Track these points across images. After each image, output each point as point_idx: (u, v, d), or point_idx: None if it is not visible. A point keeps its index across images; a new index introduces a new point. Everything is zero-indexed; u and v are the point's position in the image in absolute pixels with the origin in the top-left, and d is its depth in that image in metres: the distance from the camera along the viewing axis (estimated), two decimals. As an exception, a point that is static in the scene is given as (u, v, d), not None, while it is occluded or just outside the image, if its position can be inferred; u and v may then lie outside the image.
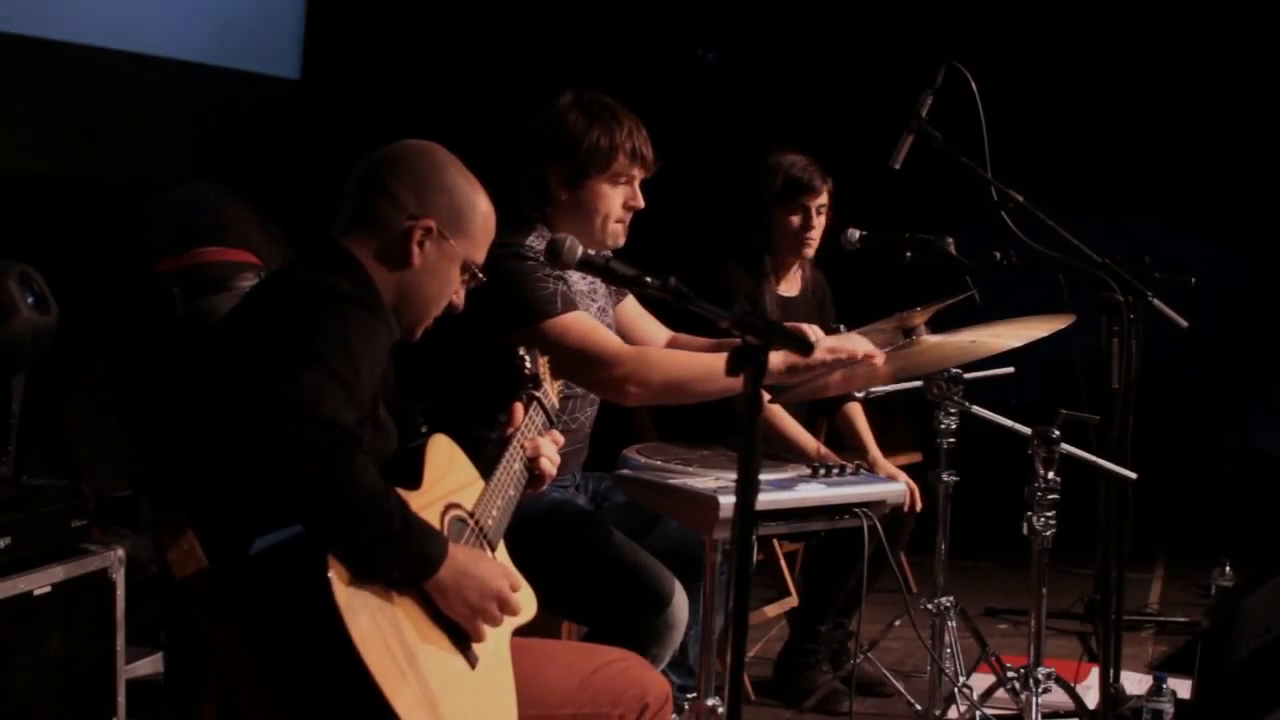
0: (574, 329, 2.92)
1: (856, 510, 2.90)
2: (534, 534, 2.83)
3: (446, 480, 2.27)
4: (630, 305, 3.38)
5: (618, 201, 3.11)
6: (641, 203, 3.14)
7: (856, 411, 4.13)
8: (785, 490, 2.84)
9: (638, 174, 3.12)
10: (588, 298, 3.16)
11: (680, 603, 2.92)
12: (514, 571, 2.26)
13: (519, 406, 2.51)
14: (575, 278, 3.10)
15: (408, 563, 2.04)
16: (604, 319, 3.19)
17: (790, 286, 4.14)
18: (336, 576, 1.96)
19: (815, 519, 2.94)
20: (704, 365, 2.93)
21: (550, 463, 2.49)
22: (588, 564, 2.94)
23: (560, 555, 2.93)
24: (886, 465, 3.99)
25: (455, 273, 2.37)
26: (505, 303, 2.89)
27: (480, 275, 2.41)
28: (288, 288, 2.26)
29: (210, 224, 3.57)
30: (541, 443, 2.49)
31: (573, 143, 3.06)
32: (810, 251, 4.09)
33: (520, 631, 2.33)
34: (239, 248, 3.56)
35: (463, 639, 2.15)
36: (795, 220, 4.03)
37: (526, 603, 2.35)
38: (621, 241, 3.13)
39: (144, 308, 3.57)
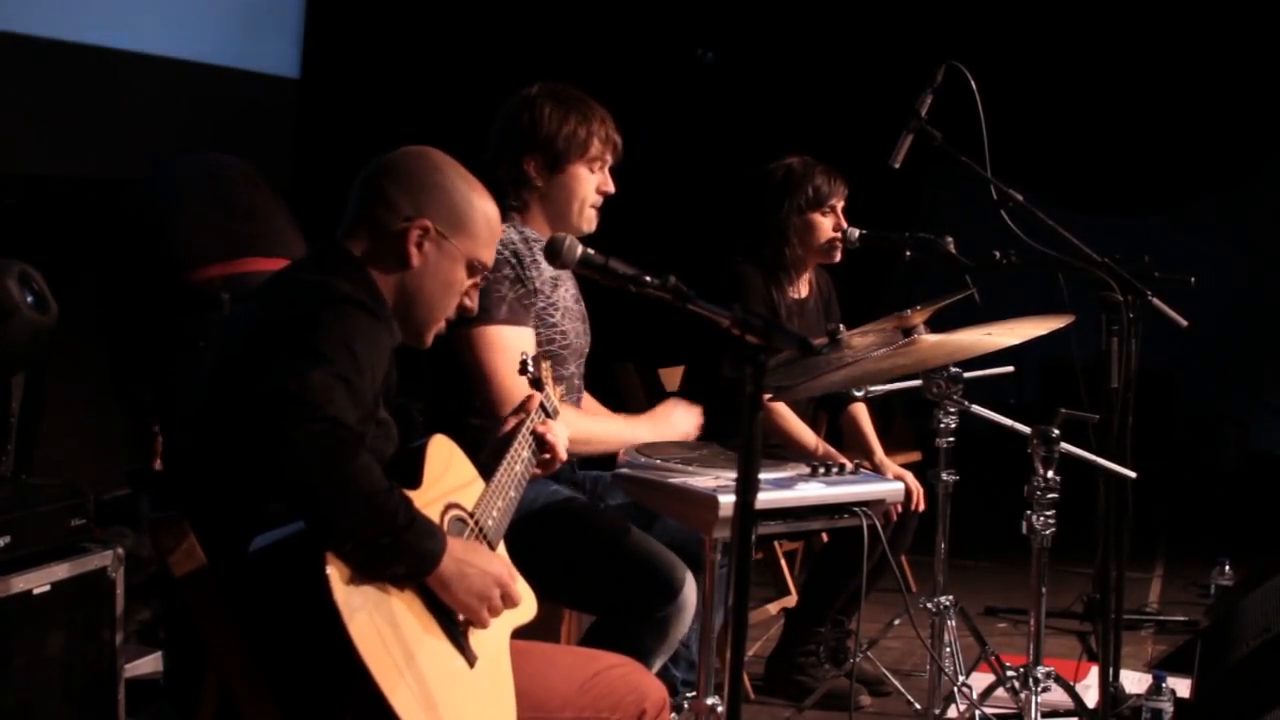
0: (496, 343, 2.97)
1: (855, 510, 2.90)
2: (536, 528, 2.85)
3: (446, 480, 2.27)
4: None
5: (592, 186, 3.19)
6: (612, 188, 3.22)
7: (861, 412, 4.13)
8: (784, 489, 2.84)
9: (609, 159, 3.21)
10: (559, 283, 3.19)
11: (690, 588, 2.94)
12: (511, 565, 2.27)
13: (535, 397, 2.56)
14: (544, 265, 3.14)
15: (411, 558, 2.05)
16: (579, 306, 3.27)
17: (801, 289, 4.13)
18: (335, 574, 1.96)
19: (814, 518, 2.94)
20: (585, 429, 3.01)
21: (561, 445, 2.55)
22: (594, 553, 2.95)
23: (565, 546, 2.95)
24: (892, 466, 3.99)
25: (460, 273, 2.38)
26: None
27: (489, 276, 2.43)
28: (291, 289, 2.27)
29: (259, 230, 3.56)
30: (553, 424, 2.55)
31: (552, 132, 3.15)
32: (838, 256, 4.08)
33: (520, 633, 2.34)
34: (285, 257, 3.57)
35: (461, 638, 2.15)
36: (829, 223, 4.03)
37: (526, 603, 2.36)
38: (594, 227, 3.20)
39: (186, 310, 3.55)
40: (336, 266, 2.29)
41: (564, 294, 3.20)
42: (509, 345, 2.96)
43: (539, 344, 3.10)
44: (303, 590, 1.97)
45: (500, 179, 3.15)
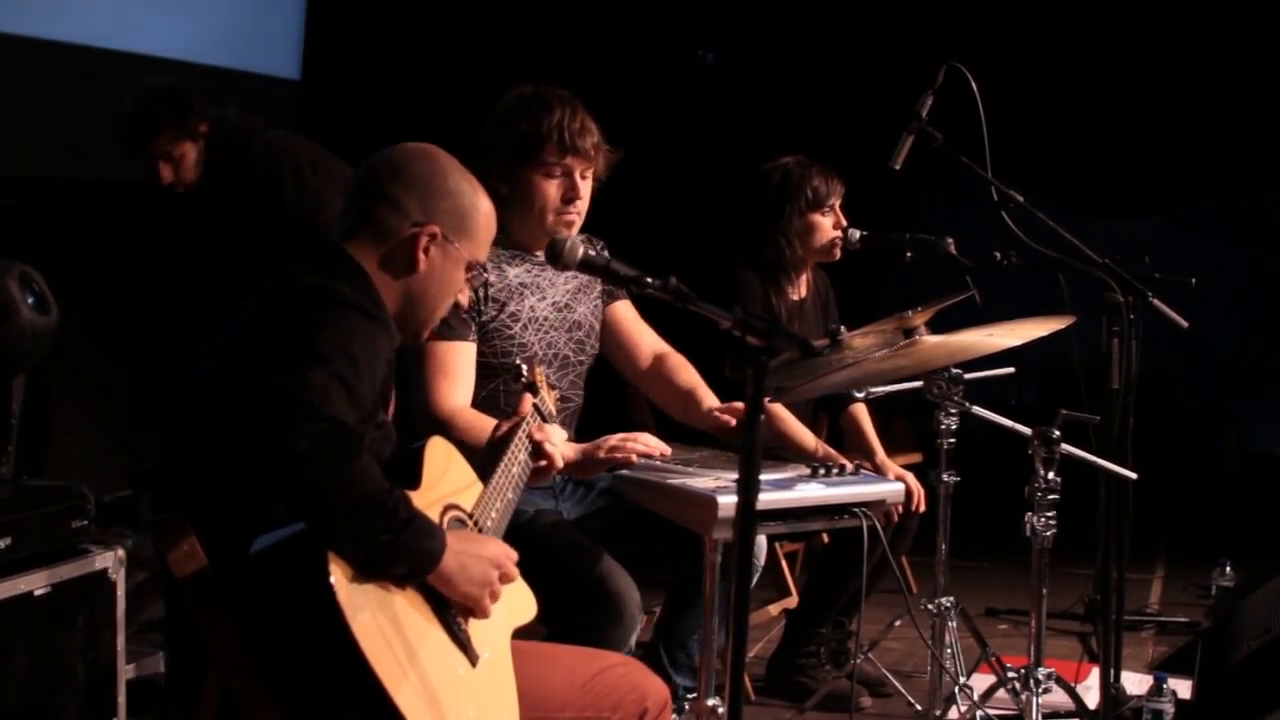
0: (435, 357, 2.93)
1: (855, 510, 2.90)
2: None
3: (445, 482, 2.28)
4: (625, 311, 3.34)
5: (553, 194, 3.05)
6: (581, 194, 3.08)
7: (862, 413, 4.13)
8: (784, 490, 2.84)
9: (574, 164, 3.06)
10: (531, 292, 3.11)
11: (628, 595, 2.89)
12: (506, 546, 2.26)
13: (527, 398, 2.56)
14: (516, 270, 3.09)
15: (412, 557, 2.05)
16: (563, 315, 3.18)
17: (799, 290, 4.13)
18: (338, 574, 1.96)
19: (814, 519, 2.93)
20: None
21: (556, 451, 2.54)
22: (534, 565, 2.92)
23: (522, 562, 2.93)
24: (894, 467, 3.99)
25: (460, 274, 2.38)
26: None
27: (483, 273, 2.43)
28: (291, 292, 2.26)
29: None
30: (548, 429, 2.55)
31: (504, 134, 3.05)
32: (838, 254, 4.08)
33: (524, 634, 2.34)
34: None
35: (463, 636, 2.15)
36: (829, 222, 4.03)
37: (526, 603, 2.37)
38: (570, 234, 3.06)
39: None
40: (338, 270, 2.28)
41: (534, 304, 3.11)
42: (439, 359, 2.94)
43: (493, 357, 3.04)
44: (305, 590, 1.97)
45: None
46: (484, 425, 2.86)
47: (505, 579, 2.21)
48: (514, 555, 2.25)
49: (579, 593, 2.88)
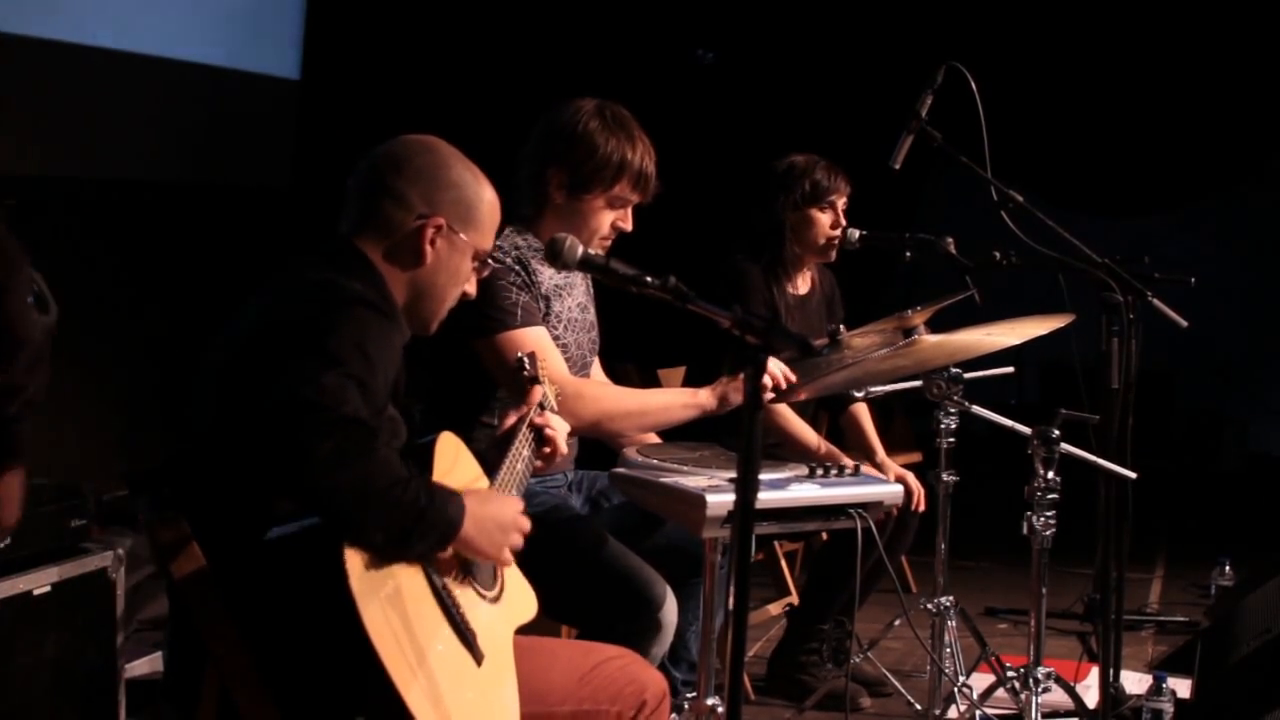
0: (521, 346, 2.94)
1: (851, 511, 2.89)
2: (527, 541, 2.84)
3: (453, 477, 2.28)
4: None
5: (608, 221, 3.12)
6: (630, 227, 3.15)
7: (862, 412, 4.13)
8: (778, 490, 2.83)
9: (635, 199, 3.13)
10: (565, 293, 3.16)
11: (670, 606, 2.92)
12: (517, 504, 2.28)
13: (537, 389, 2.56)
14: (549, 272, 3.11)
15: (435, 534, 2.07)
16: (584, 315, 3.22)
17: (801, 286, 4.13)
18: (351, 569, 1.96)
19: (809, 519, 2.93)
20: (639, 400, 3.04)
21: (560, 437, 2.55)
22: (577, 569, 2.93)
23: (551, 561, 2.92)
24: (895, 467, 3.99)
25: (467, 264, 2.38)
26: (471, 306, 2.85)
27: (490, 263, 2.44)
28: (301, 289, 2.24)
29: None
30: (551, 417, 2.55)
31: (585, 152, 3.07)
32: (834, 255, 4.07)
33: (523, 628, 2.34)
34: None
35: (469, 635, 2.15)
36: (827, 219, 4.02)
37: (527, 603, 2.37)
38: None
39: None
40: (347, 265, 2.27)
41: (568, 305, 3.16)
42: (531, 345, 2.95)
43: None
44: (319, 585, 1.97)
45: (521, 181, 3.11)
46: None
47: (523, 530, 2.24)
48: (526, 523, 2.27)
49: (622, 600, 2.90)
